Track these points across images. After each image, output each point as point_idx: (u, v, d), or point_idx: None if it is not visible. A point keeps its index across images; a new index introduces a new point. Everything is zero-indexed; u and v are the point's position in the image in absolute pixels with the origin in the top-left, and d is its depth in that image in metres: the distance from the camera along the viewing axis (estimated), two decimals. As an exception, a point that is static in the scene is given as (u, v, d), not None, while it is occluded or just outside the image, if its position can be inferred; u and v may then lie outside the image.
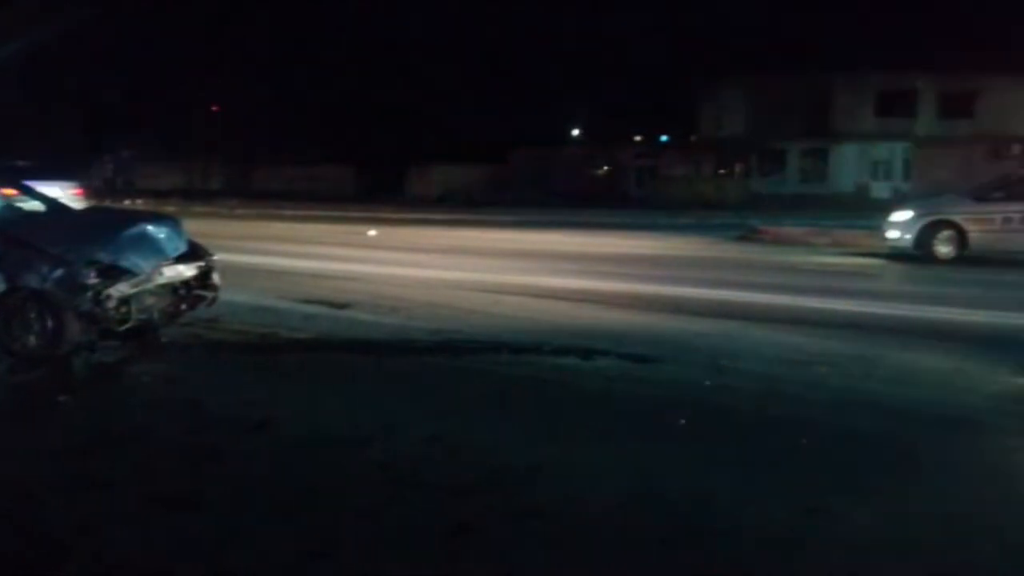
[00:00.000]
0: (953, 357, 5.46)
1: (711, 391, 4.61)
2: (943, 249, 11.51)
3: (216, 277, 5.92)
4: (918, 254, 11.69)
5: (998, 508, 3.01)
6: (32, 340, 5.10)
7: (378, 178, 40.54)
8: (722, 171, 40.35)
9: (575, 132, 51.70)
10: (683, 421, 4.00)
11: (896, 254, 12.08)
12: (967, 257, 11.32)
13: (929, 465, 3.44)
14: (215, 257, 6.06)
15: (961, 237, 11.43)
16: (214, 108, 40.60)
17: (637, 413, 4.22)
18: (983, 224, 11.34)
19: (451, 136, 42.63)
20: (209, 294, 5.91)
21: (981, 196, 11.90)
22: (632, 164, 43.04)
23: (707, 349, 5.64)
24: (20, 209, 6.41)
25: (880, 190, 35.51)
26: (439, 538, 2.74)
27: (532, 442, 3.74)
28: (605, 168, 44.20)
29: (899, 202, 14.32)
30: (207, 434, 3.79)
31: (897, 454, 3.57)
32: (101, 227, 6.01)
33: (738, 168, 38.65)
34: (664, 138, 47.67)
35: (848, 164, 38.18)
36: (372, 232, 16.14)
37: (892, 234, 12.19)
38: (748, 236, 16.19)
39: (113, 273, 5.18)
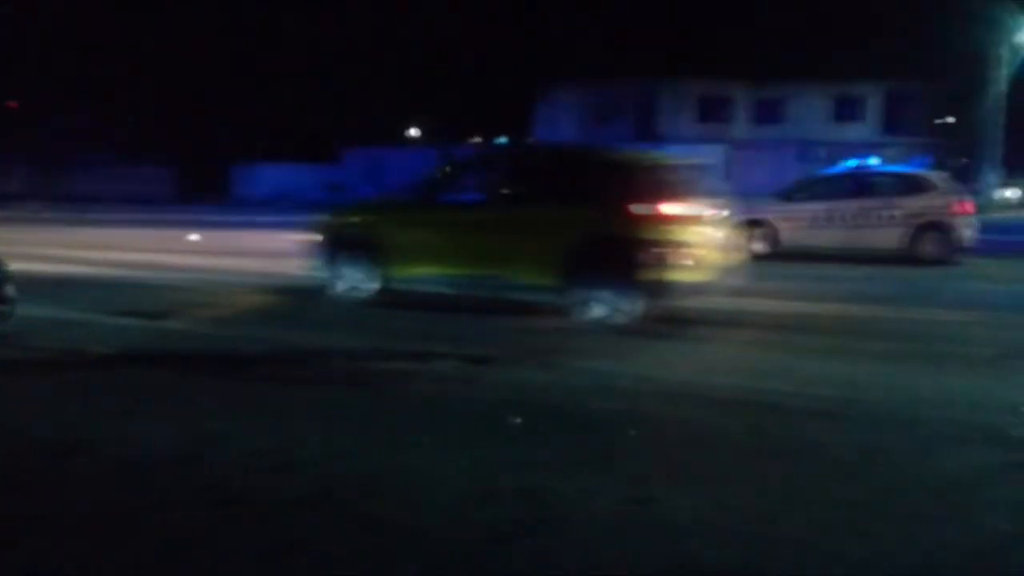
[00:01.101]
0: (768, 346, 5.93)
1: (545, 389, 4.70)
2: (757, 246, 12.47)
3: (11, 290, 5.33)
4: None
5: (810, 490, 3.27)
6: None
7: (201, 179, 38.21)
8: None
9: (412, 132, 51.42)
10: (518, 420, 4.06)
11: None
12: (778, 253, 12.36)
13: (746, 450, 3.68)
14: (11, 268, 5.46)
15: (773, 235, 12.47)
16: (11, 104, 36.55)
17: (473, 414, 4.22)
18: (791, 222, 12.43)
19: (281, 135, 41.04)
20: (4, 308, 5.32)
21: (789, 196, 13.03)
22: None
23: (540, 348, 5.76)
24: None
25: (703, 191, 38.02)
26: (270, 558, 2.61)
27: (367, 450, 3.66)
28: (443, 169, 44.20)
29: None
30: (13, 461, 3.41)
31: (719, 442, 3.80)
32: None
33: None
34: (502, 140, 48.47)
35: (675, 167, 40.46)
36: (194, 237, 15.18)
37: (713, 232, 13.06)
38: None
39: None
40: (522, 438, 3.86)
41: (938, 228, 11.82)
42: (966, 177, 25.90)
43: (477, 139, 47.38)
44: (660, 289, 6.44)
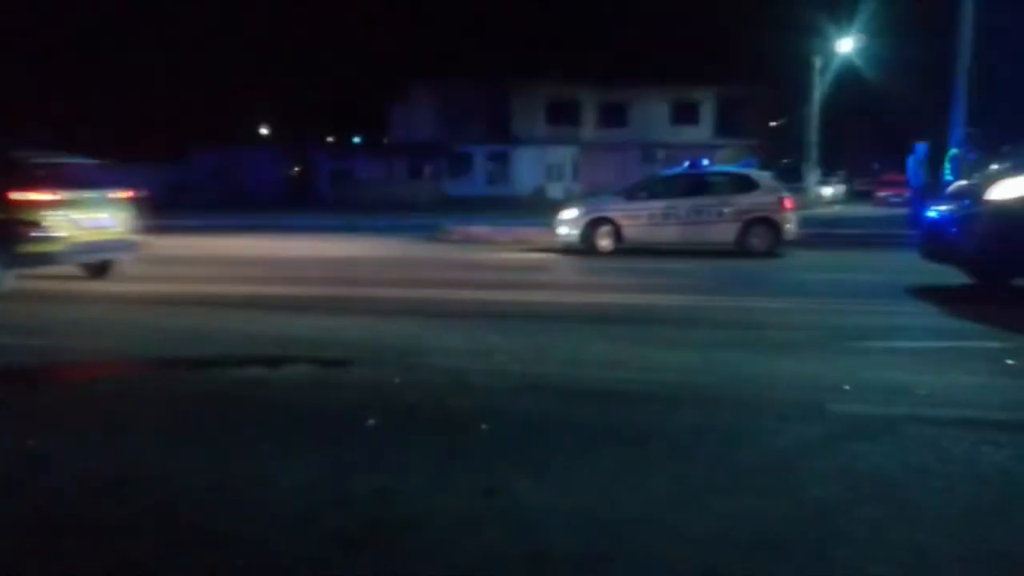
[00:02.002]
0: (612, 337, 6.21)
1: (400, 389, 4.69)
2: (603, 243, 13.06)
3: None
4: (584, 248, 13.14)
5: (651, 471, 3.46)
6: None
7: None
8: (416, 173, 41.43)
9: (263, 131, 49.53)
10: (372, 421, 4.02)
11: (566, 248, 13.44)
12: (623, 249, 12.99)
13: (593, 438, 3.84)
14: None
15: (617, 232, 13.07)
16: None
17: (325, 418, 4.14)
18: (633, 220, 13.08)
19: (124, 132, 38.20)
20: None
21: (631, 195, 13.69)
22: (325, 165, 42.43)
23: (398, 348, 5.74)
24: None
25: (555, 191, 39.23)
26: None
27: (212, 463, 3.49)
28: (296, 169, 42.98)
29: (568, 202, 15.94)
30: None
31: (565, 431, 3.93)
32: None
33: (428, 170, 40.05)
34: (357, 139, 47.69)
35: (527, 167, 41.56)
36: None
37: (561, 231, 13.53)
38: (439, 236, 16.85)
39: None
40: (375, 439, 3.83)
41: (765, 223, 12.85)
42: (790, 176, 28.34)
43: (330, 139, 46.28)
44: (23, 259, 8.23)
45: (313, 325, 6.82)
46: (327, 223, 21.37)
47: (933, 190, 12.21)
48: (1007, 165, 8.53)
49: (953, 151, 13.77)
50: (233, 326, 6.72)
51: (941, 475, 3.31)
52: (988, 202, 7.82)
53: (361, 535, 2.78)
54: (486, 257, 13.04)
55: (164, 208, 10.45)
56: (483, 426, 3.96)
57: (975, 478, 3.28)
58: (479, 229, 17.33)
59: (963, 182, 9.51)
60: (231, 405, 4.40)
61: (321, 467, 3.42)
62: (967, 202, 8.15)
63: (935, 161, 14.45)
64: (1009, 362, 5.32)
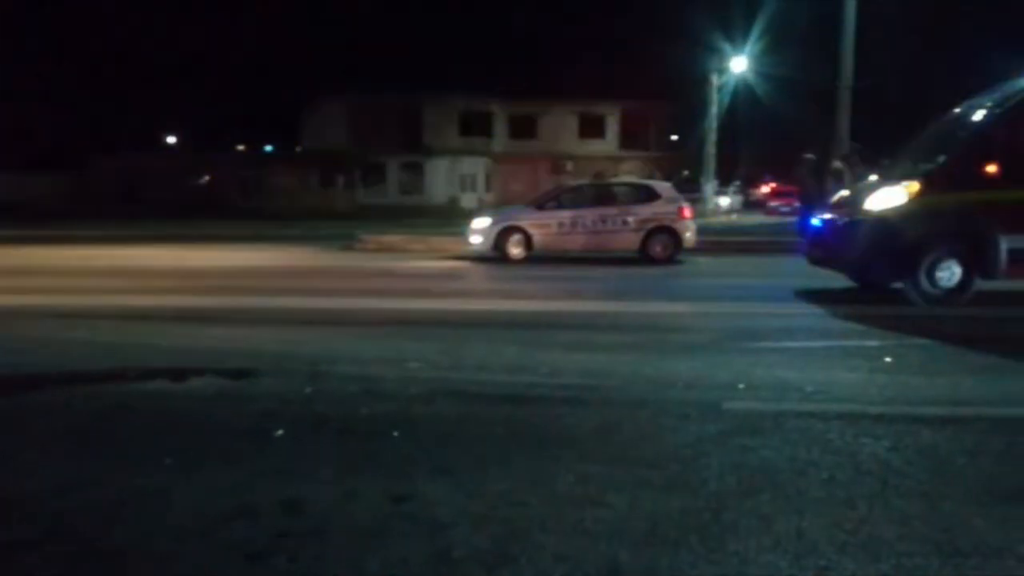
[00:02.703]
0: (522, 342, 6.33)
1: (310, 399, 4.66)
2: (515, 251, 13.29)
3: None
4: (496, 256, 13.31)
5: (558, 472, 3.57)
6: None
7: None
8: (329, 182, 40.80)
9: (170, 139, 47.72)
10: (280, 432, 3.98)
11: (479, 257, 13.57)
12: (533, 257, 13.23)
13: (503, 441, 3.92)
14: None
15: (528, 240, 13.31)
16: None
17: (231, 431, 4.07)
18: (543, 229, 13.36)
19: (23, 140, 35.98)
20: None
21: (540, 205, 13.98)
22: (236, 174, 41.25)
23: (309, 357, 5.68)
24: None
25: (468, 201, 39.42)
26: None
27: (111, 479, 3.38)
28: (206, 178, 41.59)
29: (480, 211, 16.11)
30: None
31: (476, 435, 4.00)
32: None
33: (341, 180, 39.51)
34: (269, 148, 46.57)
35: (440, 177, 41.58)
36: None
37: (474, 239, 13.67)
38: (352, 245, 16.67)
39: None
40: (284, 450, 3.79)
41: (666, 232, 13.36)
42: (689, 187, 29.43)
43: (241, 147, 45.02)
44: None
45: (220, 336, 6.65)
46: (237, 232, 20.78)
47: (819, 200, 12.99)
48: (882, 177, 9.19)
49: (837, 163, 14.66)
50: (135, 339, 6.48)
51: (825, 467, 3.56)
52: (866, 212, 8.42)
53: (265, 546, 2.76)
54: (399, 265, 13.00)
55: (61, 218, 9.90)
56: (394, 433, 3.99)
57: (855, 468, 3.54)
58: (392, 238, 17.25)
59: (845, 192, 10.19)
60: (132, 419, 4.26)
61: (225, 480, 3.37)
62: (848, 211, 8.74)
63: (821, 172, 15.33)
64: (887, 359, 5.74)
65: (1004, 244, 7.96)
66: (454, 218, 19.24)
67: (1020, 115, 8.02)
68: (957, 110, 9.23)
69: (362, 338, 6.58)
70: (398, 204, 37.25)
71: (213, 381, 5.02)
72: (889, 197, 8.30)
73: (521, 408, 4.43)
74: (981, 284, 8.22)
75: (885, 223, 8.22)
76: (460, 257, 14.02)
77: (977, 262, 8.08)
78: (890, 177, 8.86)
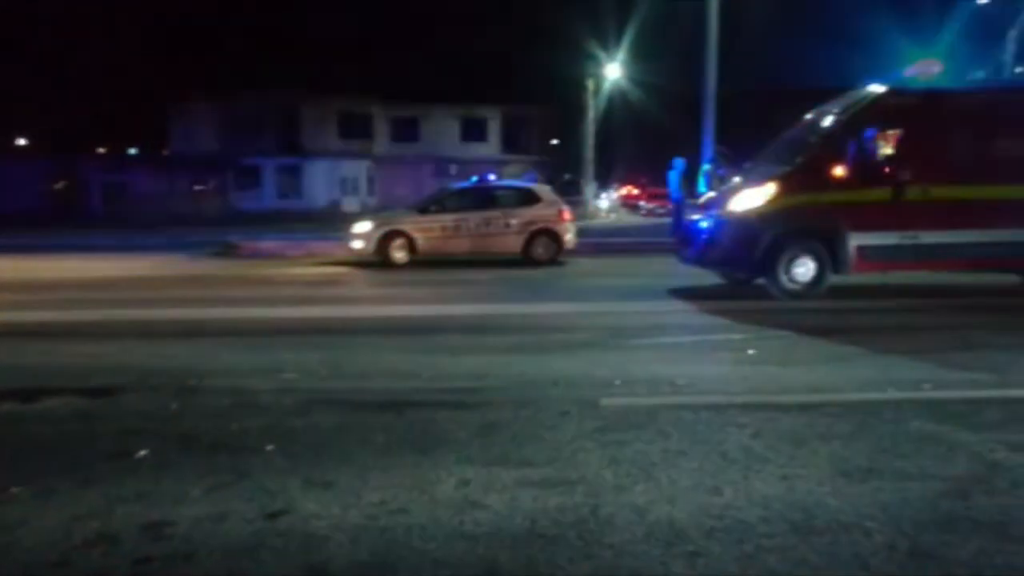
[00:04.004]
0: (405, 348, 6.28)
1: (177, 416, 4.43)
2: (398, 255, 13.15)
3: None
4: (379, 260, 13.12)
5: (439, 477, 3.55)
6: None
7: None
8: (198, 187, 39.01)
9: (21, 142, 44.18)
10: (144, 452, 3.76)
11: (361, 261, 13.34)
12: (417, 261, 13.14)
13: (383, 449, 3.87)
14: None
15: (411, 244, 13.20)
16: None
17: (89, 453, 3.80)
18: (426, 232, 13.29)
19: None
20: None
21: (423, 208, 13.89)
22: (97, 179, 38.64)
23: (177, 371, 5.41)
24: None
25: (350, 205, 38.70)
26: None
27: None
28: (62, 183, 38.74)
29: (362, 215, 15.83)
30: None
31: (356, 444, 3.93)
32: None
33: (212, 184, 37.83)
34: (133, 151, 44.01)
35: (319, 181, 40.60)
36: None
37: (356, 244, 13.42)
38: (226, 252, 15.99)
39: None
40: (148, 470, 3.58)
41: (548, 234, 13.61)
42: (570, 190, 30.12)
43: (102, 150, 42.23)
44: None
45: (80, 352, 6.21)
46: (98, 241, 19.45)
47: (689, 201, 13.63)
48: (744, 179, 9.76)
49: (705, 166, 15.44)
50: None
51: (695, 456, 3.73)
52: (730, 212, 8.92)
53: (126, 574, 2.60)
54: (277, 272, 12.57)
55: None
56: (268, 447, 3.86)
57: (722, 456, 3.73)
58: (269, 244, 16.67)
59: (711, 194, 10.74)
60: (-29, 448, 3.91)
61: (82, 506, 3.15)
62: (714, 212, 9.23)
63: (691, 175, 16.11)
64: (750, 352, 6.08)
65: (852, 241, 8.63)
66: (335, 223, 18.79)
67: (862, 121, 8.72)
68: (809, 116, 9.92)
69: (235, 349, 6.31)
70: (275, 208, 36.06)
71: (71, 401, 4.69)
72: (750, 198, 8.82)
73: (402, 414, 4.39)
74: (835, 279, 8.88)
75: (746, 223, 8.73)
76: (341, 263, 13.73)
77: (830, 258, 8.71)
78: (751, 179, 9.42)
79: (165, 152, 41.72)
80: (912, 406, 4.49)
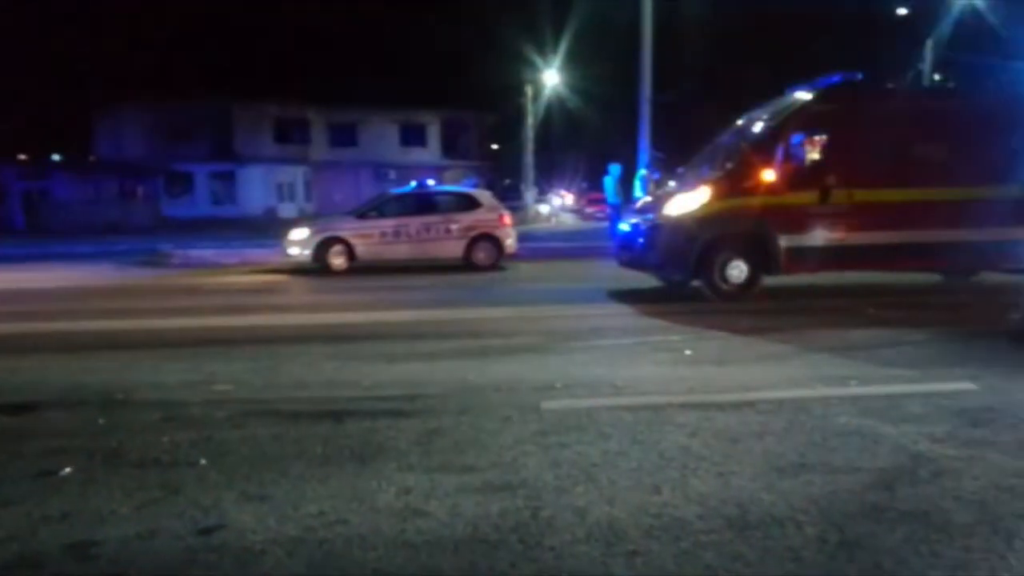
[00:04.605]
0: (343, 356, 6.18)
1: (105, 430, 4.26)
2: (336, 261, 12.98)
3: None
4: (316, 267, 12.92)
5: (379, 486, 3.50)
6: None
7: None
8: (128, 194, 37.72)
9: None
10: (68, 470, 3.60)
11: (298, 269, 13.11)
12: (356, 267, 12.99)
13: (321, 460, 3.80)
14: None
15: (349, 250, 13.04)
16: None
17: (6, 474, 3.61)
18: (365, 238, 13.16)
19: None
20: None
21: (362, 214, 13.76)
22: (16, 186, 36.95)
23: (103, 385, 5.21)
24: None
25: (287, 211, 38.00)
26: None
27: None
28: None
29: (299, 222, 15.57)
30: None
31: (293, 456, 3.85)
32: None
33: (142, 191, 36.64)
34: (56, 158, 42.29)
35: (255, 187, 39.76)
36: None
37: (293, 251, 13.19)
38: (156, 261, 15.51)
39: None
40: (72, 490, 3.43)
41: (488, 239, 13.63)
42: (511, 195, 30.26)
43: (22, 156, 40.40)
44: None
45: (-7, 369, 5.92)
46: (17, 251, 18.63)
47: (626, 206, 13.84)
48: (679, 184, 9.97)
49: (642, 171, 15.73)
50: None
51: (633, 456, 3.77)
52: (665, 216, 9.09)
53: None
54: (209, 281, 12.24)
55: None
56: (201, 461, 3.75)
57: (660, 456, 3.79)
58: (201, 252, 16.24)
59: (648, 198, 10.94)
60: None
61: (3, 527, 3.00)
62: (650, 216, 9.39)
63: (628, 180, 16.38)
64: (687, 352, 6.20)
65: (782, 244, 8.90)
66: (271, 229, 18.41)
67: (790, 127, 9.01)
68: (740, 122, 10.19)
69: (165, 361, 6.11)
70: (208, 216, 35.13)
71: (-15, 419, 4.46)
72: (684, 203, 9.01)
73: (341, 424, 4.32)
74: (768, 280, 9.13)
75: (681, 227, 8.92)
76: (278, 271, 13.46)
77: (761, 261, 8.96)
78: (685, 184, 9.62)
79: (91, 158, 40.20)
80: (840, 402, 4.64)
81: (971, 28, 24.72)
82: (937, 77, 23.00)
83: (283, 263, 13.57)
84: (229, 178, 39.74)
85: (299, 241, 13.19)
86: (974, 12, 24.74)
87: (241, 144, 40.00)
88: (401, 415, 4.47)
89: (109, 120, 39.22)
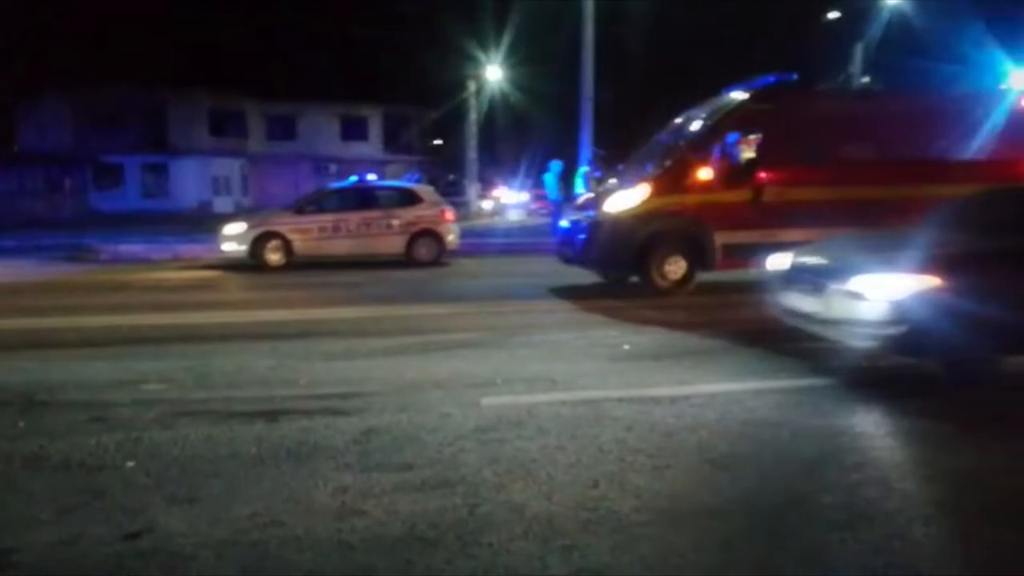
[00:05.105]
0: (280, 354, 6.05)
1: (24, 433, 4.08)
2: (273, 257, 12.69)
3: None
4: (253, 263, 12.62)
5: (315, 486, 3.45)
6: None
7: None
8: (54, 186, 36.12)
9: None
10: (-16, 476, 3.45)
11: (234, 265, 12.79)
12: (294, 263, 12.73)
13: (254, 460, 3.72)
14: None
15: (287, 246, 12.78)
16: None
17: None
18: (303, 233, 12.90)
19: None
20: None
21: (300, 209, 13.49)
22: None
23: (24, 386, 4.99)
24: None
25: (223, 205, 37.03)
26: None
27: None
28: None
29: (235, 216, 15.18)
30: None
31: (225, 456, 3.76)
32: None
33: (69, 183, 35.17)
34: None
35: (189, 180, 38.61)
36: None
37: (228, 246, 12.86)
38: (84, 256, 14.94)
39: None
40: (-12, 497, 3.29)
41: (430, 235, 13.53)
42: (454, 190, 30.12)
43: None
44: None
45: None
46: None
47: (567, 203, 13.95)
48: (619, 181, 10.10)
49: (583, 168, 15.87)
50: None
51: (572, 451, 3.80)
52: (605, 213, 9.20)
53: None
54: (139, 278, 11.84)
55: None
56: (129, 463, 3.63)
57: (598, 449, 3.83)
58: (132, 247, 15.70)
59: (589, 195, 11.04)
60: None
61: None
62: (591, 213, 9.49)
63: (570, 177, 16.50)
64: (625, 347, 6.29)
65: (718, 240, 9.10)
66: (206, 224, 17.88)
67: (725, 126, 9.21)
68: (678, 120, 10.37)
69: (91, 360, 5.89)
70: (140, 209, 33.95)
71: None
72: (624, 200, 9.13)
73: (276, 423, 4.24)
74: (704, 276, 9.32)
75: (621, 224, 9.04)
76: (212, 266, 13.11)
77: (697, 257, 9.15)
78: (625, 181, 9.74)
79: (15, 149, 38.40)
80: (769, 394, 4.78)
81: (900, 31, 25.70)
82: (866, 79, 23.82)
83: (218, 259, 13.22)
84: (162, 170, 38.50)
85: (235, 236, 12.87)
86: (902, 16, 25.71)
87: (175, 135, 38.76)
88: (338, 413, 4.41)
89: (33, 109, 37.54)
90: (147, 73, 35.63)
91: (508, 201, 36.24)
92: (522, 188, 37.63)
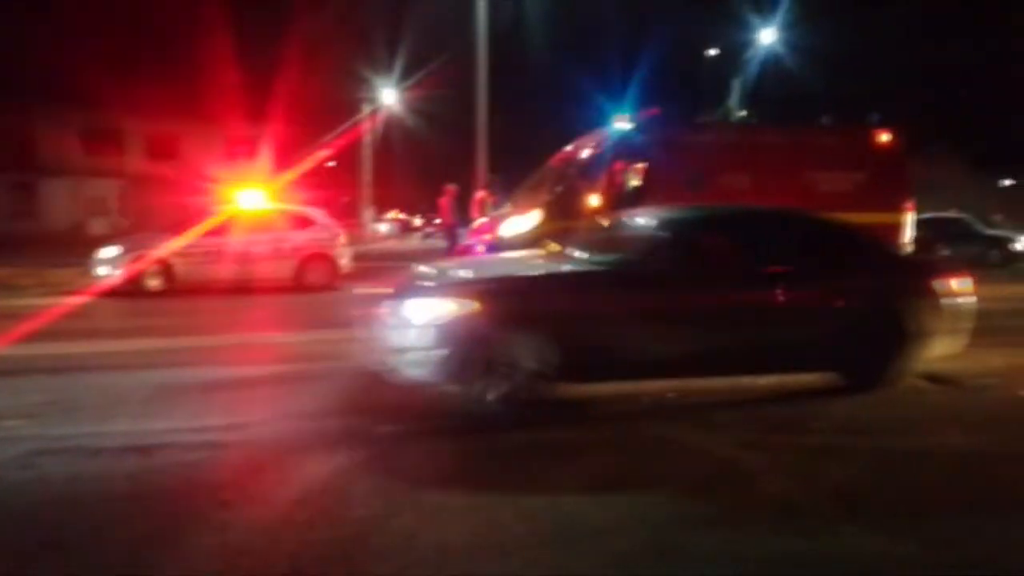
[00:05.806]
0: (158, 386, 5.68)
1: None
2: (152, 283, 12.00)
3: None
4: (129, 289, 11.90)
5: (189, 527, 3.25)
6: None
7: None
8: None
9: None
10: None
11: (109, 291, 12.02)
12: (175, 288, 12.08)
13: (124, 500, 3.48)
14: None
15: (168, 270, 12.12)
16: None
17: None
18: (185, 258, 12.26)
19: None
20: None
21: (182, 231, 12.81)
22: None
23: None
24: None
25: (99, 227, 34.90)
26: None
27: None
28: None
29: (112, 239, 14.27)
30: None
31: (92, 498, 3.50)
32: None
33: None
34: None
35: (60, 200, 36.26)
36: None
37: (102, 270, 12.09)
38: (-66, 282, 13.67)
39: None
40: None
41: (321, 259, 13.18)
42: (348, 214, 29.60)
43: None
44: None
45: None
46: None
47: (463, 227, 13.98)
48: (512, 207, 10.25)
49: (479, 193, 15.94)
50: None
51: (466, 477, 3.77)
52: (499, 237, 9.30)
53: None
54: (2, 304, 10.94)
55: None
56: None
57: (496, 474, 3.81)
58: (-9, 272, 14.51)
59: (483, 220, 11.13)
60: None
61: None
62: (486, 237, 9.57)
63: (466, 202, 16.55)
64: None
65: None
66: (80, 246, 16.77)
67: (612, 155, 9.53)
68: (569, 148, 10.63)
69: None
70: (4, 231, 31.54)
71: None
72: (517, 224, 9.26)
73: (151, 459, 3.99)
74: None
75: (513, 246, 9.13)
76: (85, 292, 12.27)
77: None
78: (518, 207, 9.88)
79: None
80: (660, 413, 4.91)
81: (774, 68, 27.45)
82: (743, 113, 25.24)
83: (91, 284, 12.39)
84: (29, 189, 35.96)
85: (110, 260, 12.10)
86: (776, 57, 27.50)
87: (44, 154, 36.34)
88: (219, 447, 4.20)
89: None
90: (13, 87, 33.34)
91: (403, 225, 36.00)
92: (417, 212, 37.49)
